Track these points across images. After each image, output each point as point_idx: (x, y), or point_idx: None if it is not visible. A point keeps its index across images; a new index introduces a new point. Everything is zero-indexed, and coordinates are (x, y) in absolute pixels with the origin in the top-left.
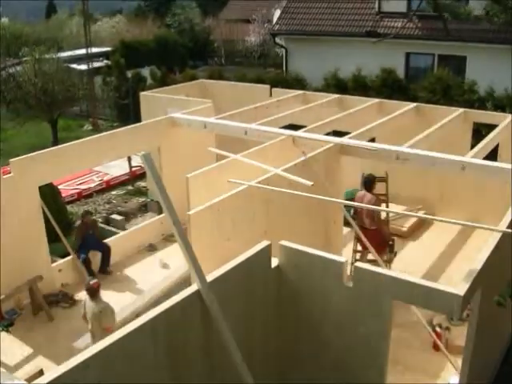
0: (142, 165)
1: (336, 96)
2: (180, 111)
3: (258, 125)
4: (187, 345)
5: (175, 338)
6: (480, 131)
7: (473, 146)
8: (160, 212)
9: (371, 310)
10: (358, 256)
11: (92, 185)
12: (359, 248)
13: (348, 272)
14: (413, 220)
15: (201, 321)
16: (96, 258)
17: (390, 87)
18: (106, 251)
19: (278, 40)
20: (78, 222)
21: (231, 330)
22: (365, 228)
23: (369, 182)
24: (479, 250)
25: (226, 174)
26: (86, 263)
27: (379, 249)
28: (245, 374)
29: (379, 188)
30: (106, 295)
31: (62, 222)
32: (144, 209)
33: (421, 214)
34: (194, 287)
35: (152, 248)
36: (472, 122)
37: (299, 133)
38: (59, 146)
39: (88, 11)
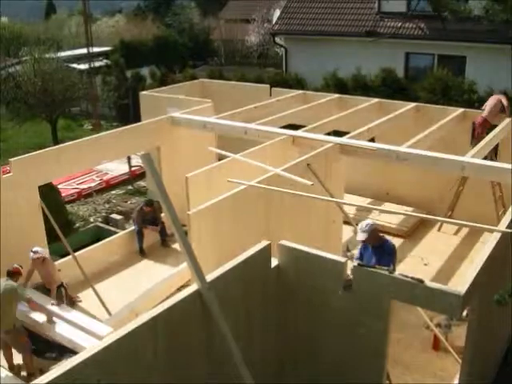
0: (142, 165)
1: (336, 96)
2: (180, 111)
3: (258, 124)
4: (187, 345)
5: (175, 337)
6: None
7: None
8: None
9: (371, 310)
10: None
11: (92, 184)
12: None
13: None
14: (413, 220)
15: (200, 321)
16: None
17: (389, 87)
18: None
19: (277, 40)
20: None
21: (231, 330)
22: None
23: None
24: (479, 250)
25: (226, 173)
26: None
27: None
28: (244, 375)
29: None
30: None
31: (62, 221)
32: None
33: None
34: (193, 287)
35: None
36: (472, 121)
37: (299, 132)
38: (59, 146)
39: (89, 10)
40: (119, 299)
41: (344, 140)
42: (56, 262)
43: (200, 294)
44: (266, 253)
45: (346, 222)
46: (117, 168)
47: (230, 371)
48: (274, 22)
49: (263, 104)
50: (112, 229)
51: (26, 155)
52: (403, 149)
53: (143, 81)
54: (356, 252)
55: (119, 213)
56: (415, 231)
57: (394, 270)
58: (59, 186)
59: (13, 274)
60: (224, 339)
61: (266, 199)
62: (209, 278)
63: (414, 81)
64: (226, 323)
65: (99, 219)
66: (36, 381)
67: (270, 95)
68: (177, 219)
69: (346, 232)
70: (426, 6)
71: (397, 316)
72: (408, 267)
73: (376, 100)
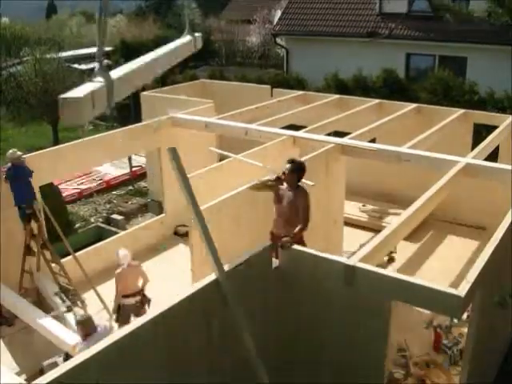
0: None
1: (337, 96)
2: (180, 111)
3: (259, 125)
4: (187, 345)
5: (175, 337)
6: (480, 132)
7: (473, 147)
8: (160, 212)
9: (371, 311)
10: None
11: (92, 185)
12: None
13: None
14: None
15: (201, 322)
16: None
17: (390, 88)
18: None
19: (278, 40)
20: None
21: (232, 329)
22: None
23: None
24: (479, 250)
25: (227, 174)
26: None
27: None
28: (257, 363)
29: None
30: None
31: (63, 221)
32: (144, 209)
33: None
34: (212, 276)
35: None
36: (472, 122)
37: (300, 133)
38: (60, 146)
39: (106, 11)
40: None
41: (345, 141)
42: None
43: (199, 291)
44: (266, 253)
45: (347, 223)
46: (113, 172)
47: (229, 372)
48: (275, 22)
49: (264, 104)
50: (113, 229)
51: (27, 155)
52: (404, 149)
53: None
54: None
55: (120, 213)
56: (415, 232)
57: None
58: (60, 186)
59: None
60: (238, 328)
61: (267, 199)
62: (209, 278)
63: (415, 81)
64: (241, 312)
65: (100, 219)
66: (36, 381)
67: (271, 96)
68: (199, 211)
69: (347, 232)
70: (427, 7)
71: (397, 316)
72: (408, 268)
73: (377, 101)
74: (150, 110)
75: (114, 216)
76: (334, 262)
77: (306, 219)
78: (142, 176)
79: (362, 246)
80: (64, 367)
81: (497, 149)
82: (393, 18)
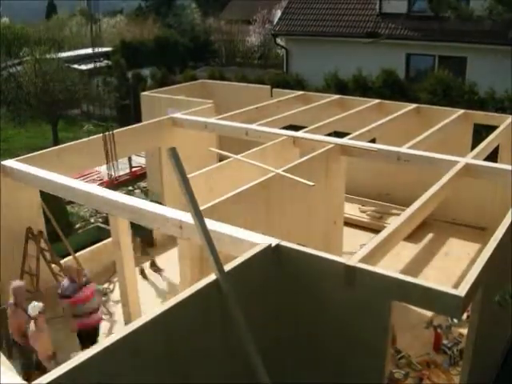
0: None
1: (336, 97)
2: (180, 111)
3: (259, 125)
4: (187, 345)
5: (175, 338)
6: (480, 132)
7: (473, 147)
8: None
9: (371, 311)
10: None
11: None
12: None
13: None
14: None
15: (200, 322)
16: None
17: (390, 88)
18: None
19: (278, 40)
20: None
21: (232, 330)
22: None
23: None
24: (479, 250)
25: (227, 174)
26: None
27: None
28: (257, 363)
29: None
30: None
31: (63, 222)
32: None
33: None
34: (212, 277)
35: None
36: (472, 123)
37: (300, 133)
38: (60, 146)
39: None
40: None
41: (345, 141)
42: None
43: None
44: (266, 253)
45: (347, 223)
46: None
47: (229, 373)
48: (275, 22)
49: (264, 105)
50: None
51: (27, 155)
52: (404, 150)
53: (144, 81)
54: None
55: None
56: (415, 232)
57: None
58: None
59: None
60: (238, 328)
61: (267, 200)
62: (209, 278)
63: (415, 82)
64: (241, 312)
65: (100, 220)
66: (36, 381)
67: (271, 96)
68: (199, 211)
69: (347, 232)
70: (427, 8)
71: (397, 316)
72: (407, 268)
73: (377, 101)
74: (150, 110)
75: None
76: (334, 262)
77: None
78: (142, 176)
79: (362, 246)
80: (64, 367)
81: (497, 149)
82: (393, 18)
